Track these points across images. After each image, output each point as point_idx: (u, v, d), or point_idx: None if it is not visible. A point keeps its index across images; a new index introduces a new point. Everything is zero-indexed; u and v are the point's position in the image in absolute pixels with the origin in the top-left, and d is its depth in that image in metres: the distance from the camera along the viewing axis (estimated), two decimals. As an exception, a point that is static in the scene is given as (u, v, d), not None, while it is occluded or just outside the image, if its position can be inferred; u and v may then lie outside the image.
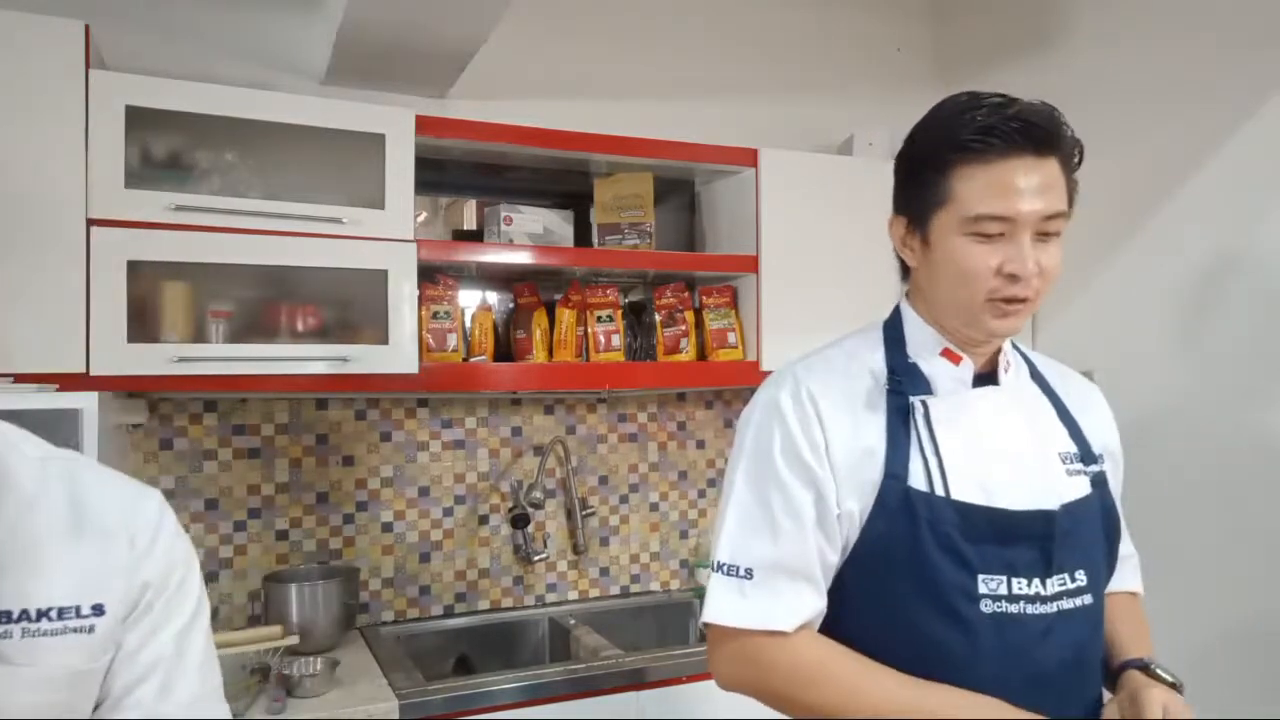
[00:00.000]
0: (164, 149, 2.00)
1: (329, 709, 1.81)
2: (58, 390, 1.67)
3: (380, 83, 2.38)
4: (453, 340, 2.21)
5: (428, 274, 2.20)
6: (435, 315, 2.19)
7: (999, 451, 1.06)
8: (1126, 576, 1.26)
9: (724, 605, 1.02)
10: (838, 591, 1.05)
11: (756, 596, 1.01)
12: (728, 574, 1.03)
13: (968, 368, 1.09)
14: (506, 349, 2.41)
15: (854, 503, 1.03)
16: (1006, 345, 1.13)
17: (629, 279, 2.57)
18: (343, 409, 2.40)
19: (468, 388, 2.28)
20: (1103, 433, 1.21)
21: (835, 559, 1.04)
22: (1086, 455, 1.13)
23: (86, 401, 1.60)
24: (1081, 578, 1.06)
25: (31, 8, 1.79)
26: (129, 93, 1.85)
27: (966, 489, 1.02)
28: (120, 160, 1.84)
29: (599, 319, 2.36)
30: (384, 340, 2.06)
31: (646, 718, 2.00)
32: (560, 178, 2.50)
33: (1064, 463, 1.10)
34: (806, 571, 1.02)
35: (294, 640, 1.88)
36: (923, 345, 1.10)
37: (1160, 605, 2.36)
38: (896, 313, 1.15)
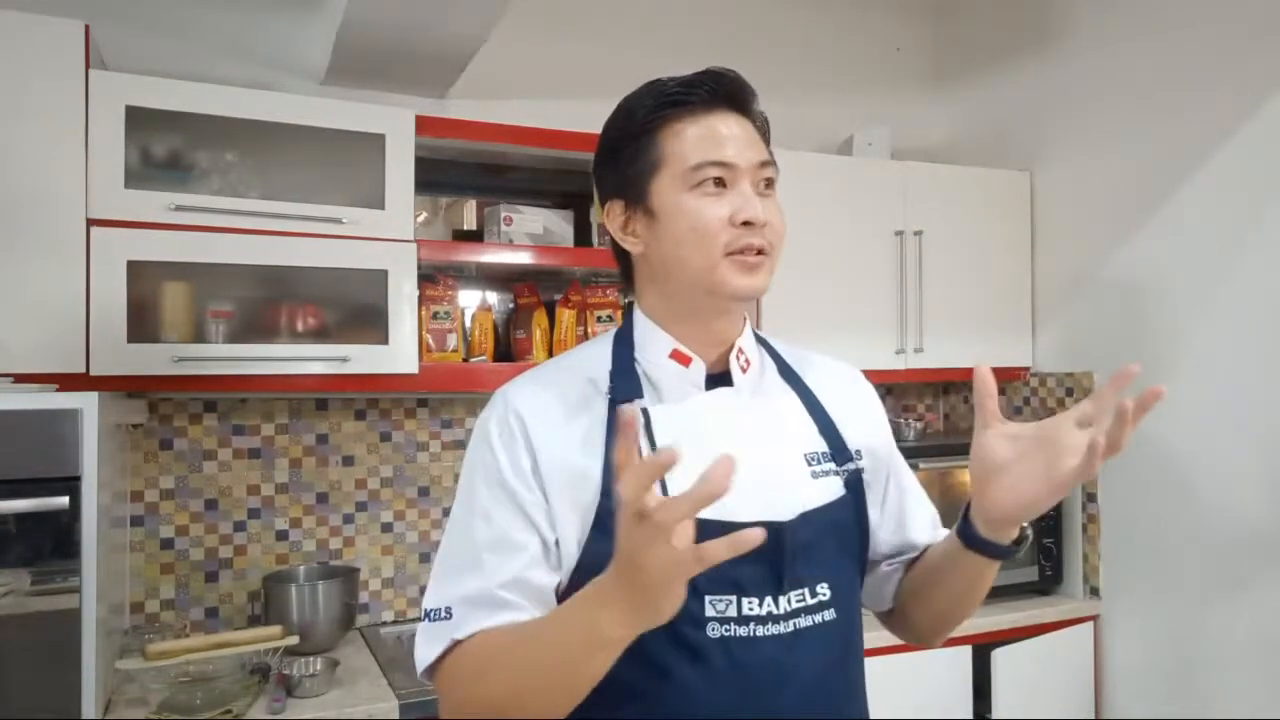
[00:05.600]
0: (164, 149, 2.00)
1: (329, 709, 1.81)
2: (58, 390, 1.68)
3: (380, 83, 2.38)
4: (453, 340, 2.21)
5: (428, 274, 2.20)
6: (435, 315, 2.19)
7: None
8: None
9: (427, 650, 0.95)
10: None
11: (456, 632, 0.94)
12: (432, 620, 0.95)
13: (699, 369, 1.02)
14: (506, 349, 2.41)
15: (572, 525, 0.95)
16: (744, 342, 1.06)
17: (629, 279, 2.57)
18: (343, 409, 2.40)
19: (468, 388, 2.28)
20: (865, 429, 1.11)
21: (552, 581, 0.96)
22: (839, 454, 1.05)
23: (86, 401, 1.60)
24: (824, 591, 0.98)
25: (31, 8, 1.79)
26: (129, 93, 1.86)
27: None
28: (120, 160, 1.84)
29: (599, 319, 2.36)
30: (384, 340, 2.06)
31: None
32: (560, 178, 2.50)
33: (810, 464, 1.03)
34: (503, 601, 0.94)
35: (294, 640, 1.88)
36: (652, 348, 1.03)
37: (1163, 605, 2.37)
38: (630, 318, 1.09)
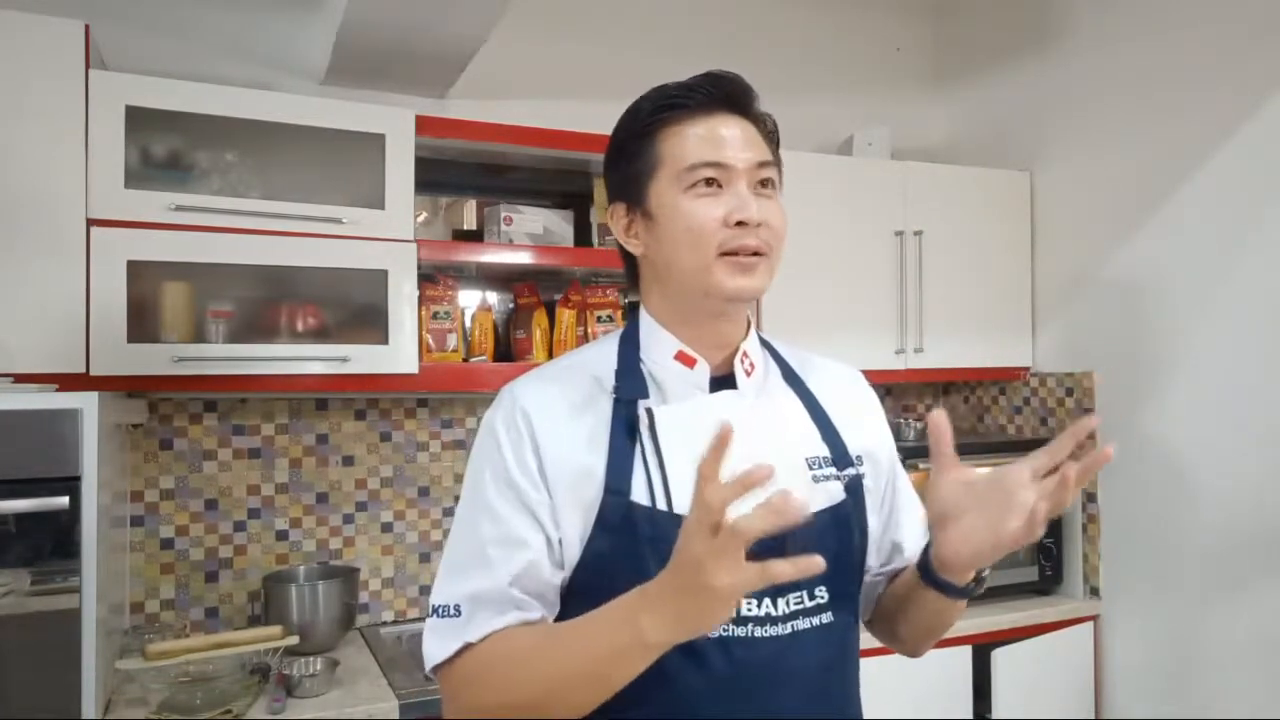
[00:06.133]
0: (164, 149, 2.00)
1: (329, 709, 1.81)
2: (58, 390, 1.68)
3: (380, 83, 2.38)
4: (453, 340, 2.21)
5: (428, 274, 2.20)
6: (435, 315, 2.19)
7: (732, 461, 0.97)
8: None
9: (437, 648, 0.94)
10: (562, 621, 0.98)
11: (466, 631, 0.94)
12: (440, 616, 0.95)
13: (703, 371, 1.03)
14: (506, 349, 2.41)
15: (576, 524, 0.96)
16: (749, 345, 1.06)
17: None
18: (343, 409, 2.40)
19: (468, 388, 2.28)
20: (866, 434, 1.11)
21: (558, 582, 0.97)
22: (840, 459, 1.05)
23: (86, 401, 1.60)
24: (822, 594, 0.99)
25: (31, 8, 1.79)
26: (129, 93, 1.86)
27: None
28: (120, 160, 1.84)
29: (599, 319, 2.36)
30: (384, 340, 2.06)
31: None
32: (560, 178, 2.50)
33: (811, 468, 1.03)
34: (514, 600, 0.94)
35: (294, 640, 1.88)
36: (657, 349, 1.04)
37: (1163, 605, 2.37)
38: (635, 318, 1.09)
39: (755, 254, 0.98)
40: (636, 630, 0.82)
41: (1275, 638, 2.10)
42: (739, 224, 0.97)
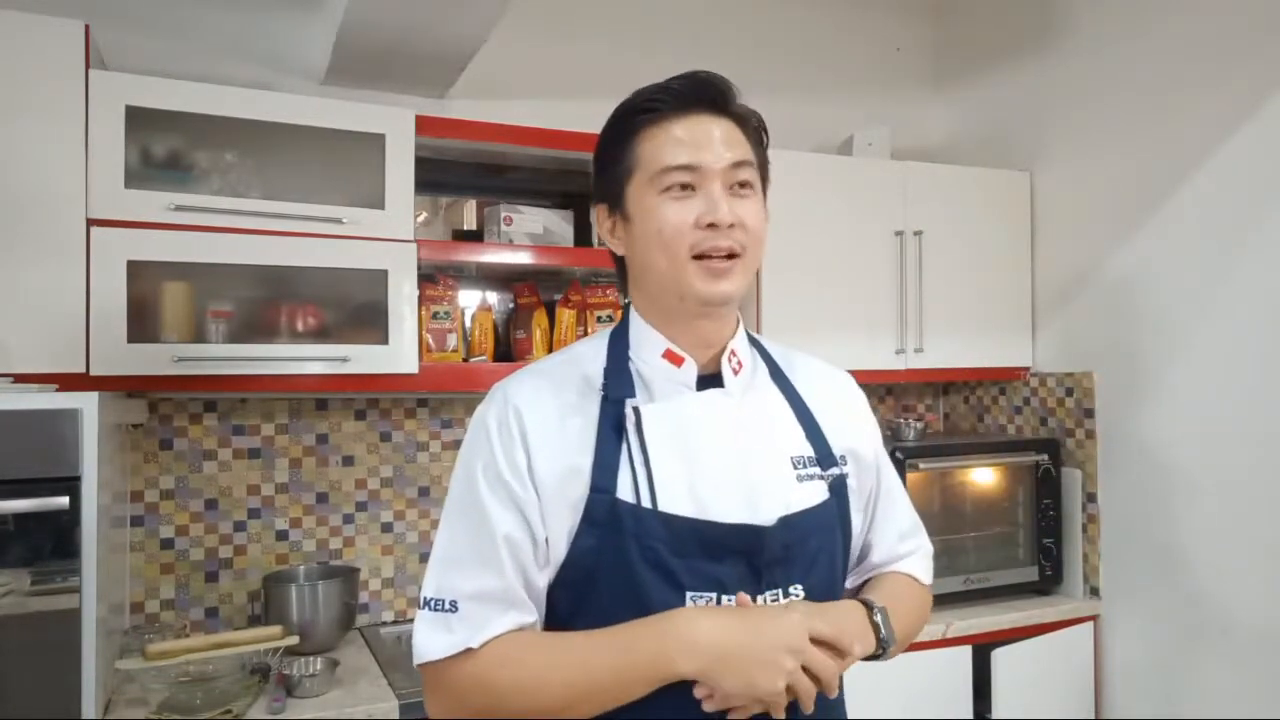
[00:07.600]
0: (164, 149, 2.00)
1: (329, 709, 1.81)
2: (58, 390, 1.68)
3: (380, 83, 2.38)
4: (453, 340, 2.21)
5: (428, 274, 2.20)
6: (435, 315, 2.19)
7: (716, 459, 1.01)
8: (908, 563, 1.19)
9: (431, 643, 0.95)
10: (548, 617, 1.00)
11: (461, 629, 0.94)
12: (434, 609, 0.96)
13: (690, 369, 1.04)
14: (506, 349, 2.41)
15: (563, 521, 0.97)
16: (737, 344, 1.08)
17: (629, 279, 2.57)
18: (343, 409, 2.40)
19: (468, 388, 2.28)
20: (849, 433, 1.13)
21: (543, 583, 0.99)
22: (825, 459, 1.07)
23: (86, 401, 1.60)
24: (797, 593, 1.01)
25: (31, 8, 1.79)
26: (129, 93, 1.86)
27: (677, 500, 0.97)
28: (120, 160, 1.84)
29: (599, 319, 2.36)
30: (384, 340, 2.06)
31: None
32: (560, 178, 2.50)
33: (796, 468, 1.04)
34: (511, 598, 0.96)
35: (294, 640, 1.88)
36: (645, 347, 1.05)
37: (1163, 605, 2.37)
38: (626, 316, 1.10)
39: (730, 256, 0.99)
40: (665, 656, 0.89)
41: (1275, 637, 2.11)
42: (710, 226, 0.98)
